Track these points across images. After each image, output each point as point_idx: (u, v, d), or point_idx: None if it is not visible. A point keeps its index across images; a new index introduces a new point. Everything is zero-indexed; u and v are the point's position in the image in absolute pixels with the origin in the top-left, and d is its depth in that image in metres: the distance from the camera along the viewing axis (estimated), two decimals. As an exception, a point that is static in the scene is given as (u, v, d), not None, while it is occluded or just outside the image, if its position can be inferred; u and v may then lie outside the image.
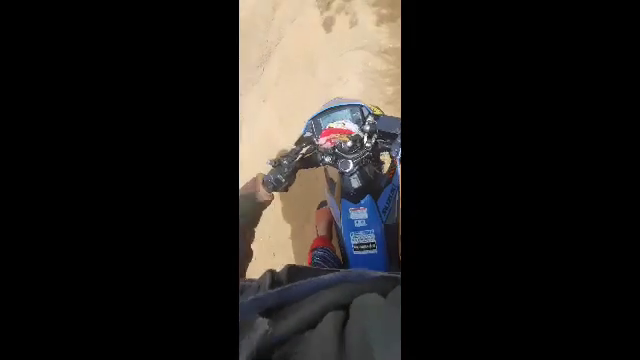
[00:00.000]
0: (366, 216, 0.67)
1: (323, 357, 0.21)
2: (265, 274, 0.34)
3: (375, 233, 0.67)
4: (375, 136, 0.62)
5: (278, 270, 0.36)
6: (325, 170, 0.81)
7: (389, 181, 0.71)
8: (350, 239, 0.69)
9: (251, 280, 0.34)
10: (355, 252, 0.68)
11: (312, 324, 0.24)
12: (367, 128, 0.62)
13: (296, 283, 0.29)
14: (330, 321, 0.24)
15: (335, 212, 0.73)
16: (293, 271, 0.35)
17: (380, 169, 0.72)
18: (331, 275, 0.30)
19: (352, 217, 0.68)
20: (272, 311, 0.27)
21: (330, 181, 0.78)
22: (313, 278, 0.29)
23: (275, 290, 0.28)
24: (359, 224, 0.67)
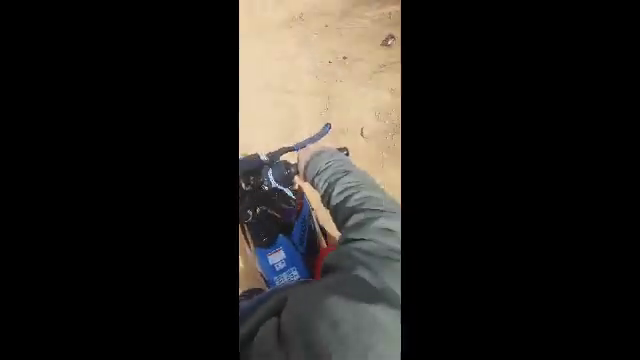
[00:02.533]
0: (284, 256, 0.67)
1: (267, 356, 0.24)
2: None
3: (297, 269, 0.67)
4: (250, 178, 0.63)
5: None
6: (241, 227, 0.78)
7: (299, 212, 0.73)
8: (276, 283, 0.68)
9: None
10: None
11: (253, 334, 0.27)
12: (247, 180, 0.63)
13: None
14: (267, 326, 0.26)
15: (256, 262, 0.71)
16: None
17: (288, 203, 0.73)
18: (263, 293, 0.34)
19: (271, 262, 0.67)
20: None
21: (245, 235, 0.76)
22: (248, 300, 0.33)
23: None
24: (279, 267, 0.67)
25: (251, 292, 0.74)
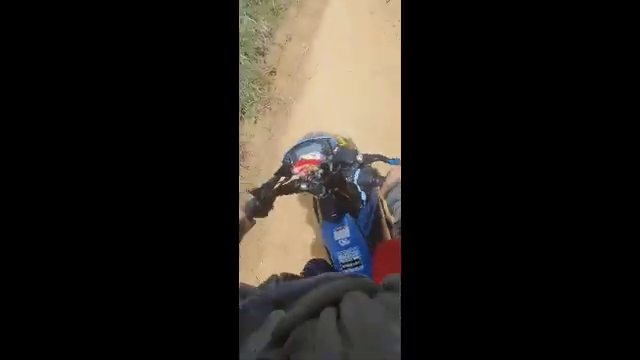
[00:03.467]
0: (348, 234, 0.72)
1: (328, 344, 0.23)
2: (271, 278, 0.39)
3: (359, 249, 0.71)
4: (339, 165, 0.69)
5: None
6: (314, 201, 0.87)
7: (367, 200, 0.77)
8: (338, 258, 0.73)
9: (248, 285, 0.38)
10: (344, 270, 0.72)
11: (313, 315, 0.27)
12: (331, 158, 0.70)
13: (291, 283, 0.34)
14: (328, 314, 0.26)
15: (322, 234, 0.78)
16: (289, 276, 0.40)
17: (357, 197, 0.78)
18: (315, 277, 0.34)
19: (336, 237, 0.73)
20: (280, 304, 0.31)
21: (316, 208, 0.84)
22: (302, 280, 0.33)
23: (278, 286, 0.34)
24: (343, 243, 0.72)
25: (315, 262, 0.81)
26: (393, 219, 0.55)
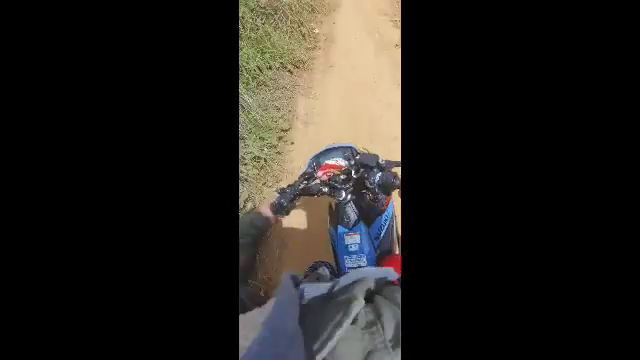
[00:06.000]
0: (359, 241, 0.75)
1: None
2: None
3: (366, 257, 0.74)
4: (361, 170, 0.73)
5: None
6: (330, 205, 0.91)
7: (381, 212, 0.80)
8: (344, 262, 0.76)
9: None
10: None
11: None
12: (353, 163, 0.73)
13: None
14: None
15: (332, 237, 0.81)
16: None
17: (375, 201, 0.81)
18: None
19: (346, 242, 0.76)
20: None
21: (331, 212, 0.88)
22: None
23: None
24: (352, 248, 0.75)
25: (321, 263, 0.85)
26: None
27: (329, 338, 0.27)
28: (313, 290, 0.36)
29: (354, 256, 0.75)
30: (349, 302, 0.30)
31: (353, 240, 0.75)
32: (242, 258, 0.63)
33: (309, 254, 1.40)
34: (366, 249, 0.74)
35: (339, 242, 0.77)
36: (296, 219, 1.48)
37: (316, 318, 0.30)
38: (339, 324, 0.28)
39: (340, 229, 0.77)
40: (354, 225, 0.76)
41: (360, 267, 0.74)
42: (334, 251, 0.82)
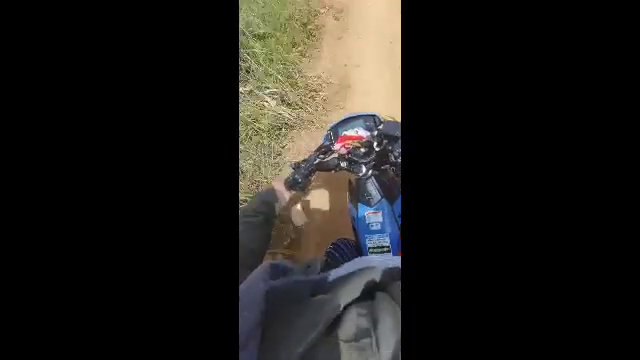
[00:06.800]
0: (381, 220, 0.69)
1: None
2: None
3: (389, 237, 0.68)
4: (384, 142, 0.65)
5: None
6: (349, 181, 0.85)
7: None
8: (366, 241, 0.71)
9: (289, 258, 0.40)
10: (370, 254, 0.70)
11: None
12: (376, 134, 0.65)
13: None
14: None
15: (353, 215, 0.76)
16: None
17: (399, 176, 0.74)
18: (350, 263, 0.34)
19: (368, 221, 0.70)
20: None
21: (350, 188, 0.82)
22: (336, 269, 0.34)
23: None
24: (374, 227, 0.70)
25: (341, 240, 0.80)
26: None
27: (298, 345, 0.21)
28: (288, 285, 0.30)
29: (376, 236, 0.69)
30: (333, 306, 0.24)
31: (375, 219, 0.69)
32: (256, 237, 0.59)
33: (334, 232, 1.38)
34: (389, 229, 0.68)
35: (360, 221, 0.72)
36: (317, 197, 1.44)
37: (287, 317, 0.24)
38: (313, 328, 0.22)
39: (361, 207, 0.71)
40: (376, 203, 0.69)
41: (382, 248, 0.69)
42: (354, 230, 0.77)
